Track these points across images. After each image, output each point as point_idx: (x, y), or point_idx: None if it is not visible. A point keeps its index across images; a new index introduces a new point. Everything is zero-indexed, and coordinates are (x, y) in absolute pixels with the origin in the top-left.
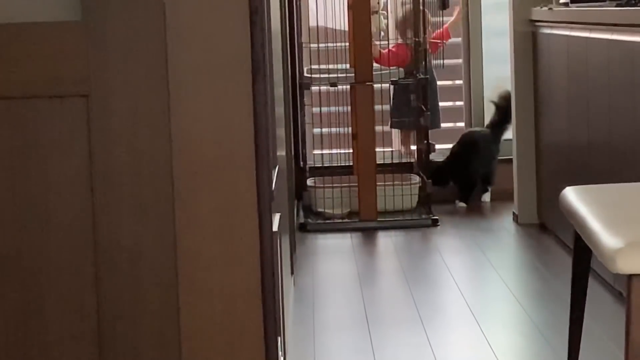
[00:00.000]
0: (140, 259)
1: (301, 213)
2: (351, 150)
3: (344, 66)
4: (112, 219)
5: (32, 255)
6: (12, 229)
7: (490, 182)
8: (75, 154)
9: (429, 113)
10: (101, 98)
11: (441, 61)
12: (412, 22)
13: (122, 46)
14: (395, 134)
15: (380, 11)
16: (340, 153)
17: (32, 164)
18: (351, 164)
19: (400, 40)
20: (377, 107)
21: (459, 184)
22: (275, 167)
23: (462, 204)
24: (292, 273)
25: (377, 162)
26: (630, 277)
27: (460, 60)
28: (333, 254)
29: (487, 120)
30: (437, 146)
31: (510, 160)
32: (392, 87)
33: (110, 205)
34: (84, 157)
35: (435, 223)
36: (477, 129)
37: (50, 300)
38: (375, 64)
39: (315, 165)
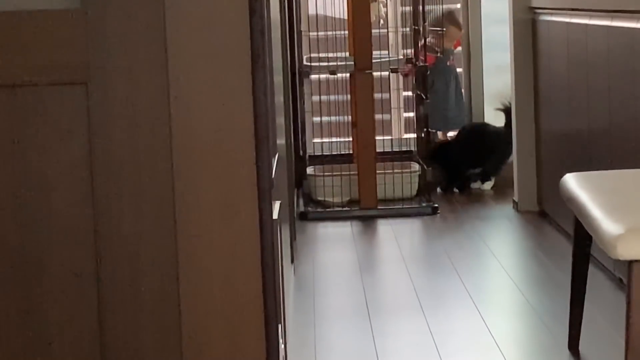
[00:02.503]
0: (140, 247)
1: (301, 201)
2: (351, 139)
3: (343, 54)
4: (112, 206)
5: (32, 242)
6: (11, 216)
7: (487, 177)
8: (75, 142)
9: (428, 101)
10: (100, 85)
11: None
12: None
13: (121, 33)
14: (396, 122)
15: None
16: (340, 141)
17: (32, 151)
18: (351, 152)
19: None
20: (377, 95)
21: (447, 170)
22: (275, 155)
23: (456, 190)
24: (292, 261)
25: (377, 151)
26: (630, 263)
27: (459, 48)
28: (333, 242)
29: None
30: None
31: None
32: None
33: (110, 192)
34: (84, 144)
35: (435, 211)
36: (483, 122)
37: (50, 288)
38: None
39: (315, 154)
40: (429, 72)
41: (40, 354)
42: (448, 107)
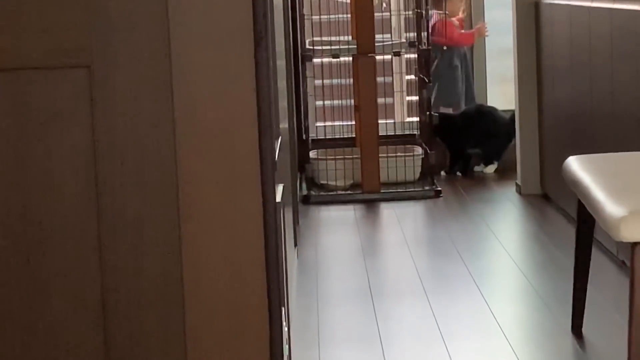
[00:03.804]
0: (143, 231)
1: (304, 185)
2: (354, 122)
3: (346, 38)
4: (115, 190)
5: (34, 227)
6: (15, 201)
7: (488, 161)
8: (78, 125)
9: (431, 84)
10: (103, 69)
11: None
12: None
13: (123, 16)
14: (398, 105)
15: None
16: (342, 125)
17: (35, 135)
18: (354, 135)
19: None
20: (380, 79)
21: (447, 144)
22: (278, 139)
23: (459, 174)
24: (295, 245)
25: (380, 134)
26: (633, 245)
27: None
28: (336, 226)
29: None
30: None
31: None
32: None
33: (114, 176)
34: (87, 128)
35: (438, 194)
36: (491, 106)
37: (54, 271)
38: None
39: (318, 138)
40: (445, 49)
41: (43, 335)
42: (465, 84)
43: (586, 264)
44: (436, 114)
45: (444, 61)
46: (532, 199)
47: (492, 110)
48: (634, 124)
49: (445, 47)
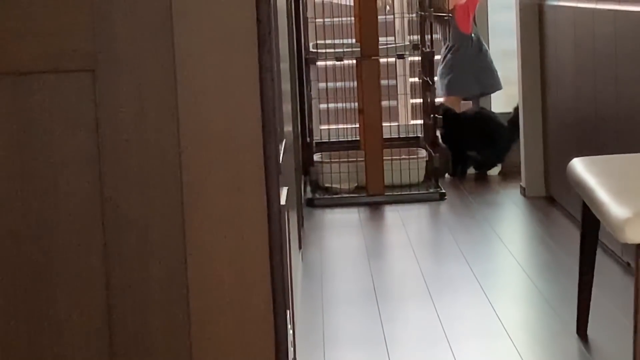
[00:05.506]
0: (148, 234)
1: (308, 188)
2: (358, 125)
3: (349, 41)
4: (119, 193)
5: (40, 230)
6: (19, 204)
7: (481, 166)
8: (82, 129)
9: (435, 87)
10: (107, 72)
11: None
12: None
13: (127, 20)
14: (402, 108)
15: None
16: (346, 128)
17: (39, 139)
18: (358, 138)
19: None
20: (384, 82)
21: (452, 153)
22: (282, 142)
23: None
24: (300, 248)
25: (384, 137)
26: (638, 246)
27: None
28: (341, 229)
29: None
30: None
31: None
32: (445, 59)
33: (117, 180)
34: (91, 132)
35: (442, 197)
36: (491, 111)
37: (59, 275)
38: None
39: (322, 141)
40: (473, 36)
41: (49, 337)
42: (492, 69)
43: (591, 266)
44: (439, 117)
45: (474, 48)
46: (537, 201)
47: (492, 117)
48: (638, 126)
49: (473, 35)
